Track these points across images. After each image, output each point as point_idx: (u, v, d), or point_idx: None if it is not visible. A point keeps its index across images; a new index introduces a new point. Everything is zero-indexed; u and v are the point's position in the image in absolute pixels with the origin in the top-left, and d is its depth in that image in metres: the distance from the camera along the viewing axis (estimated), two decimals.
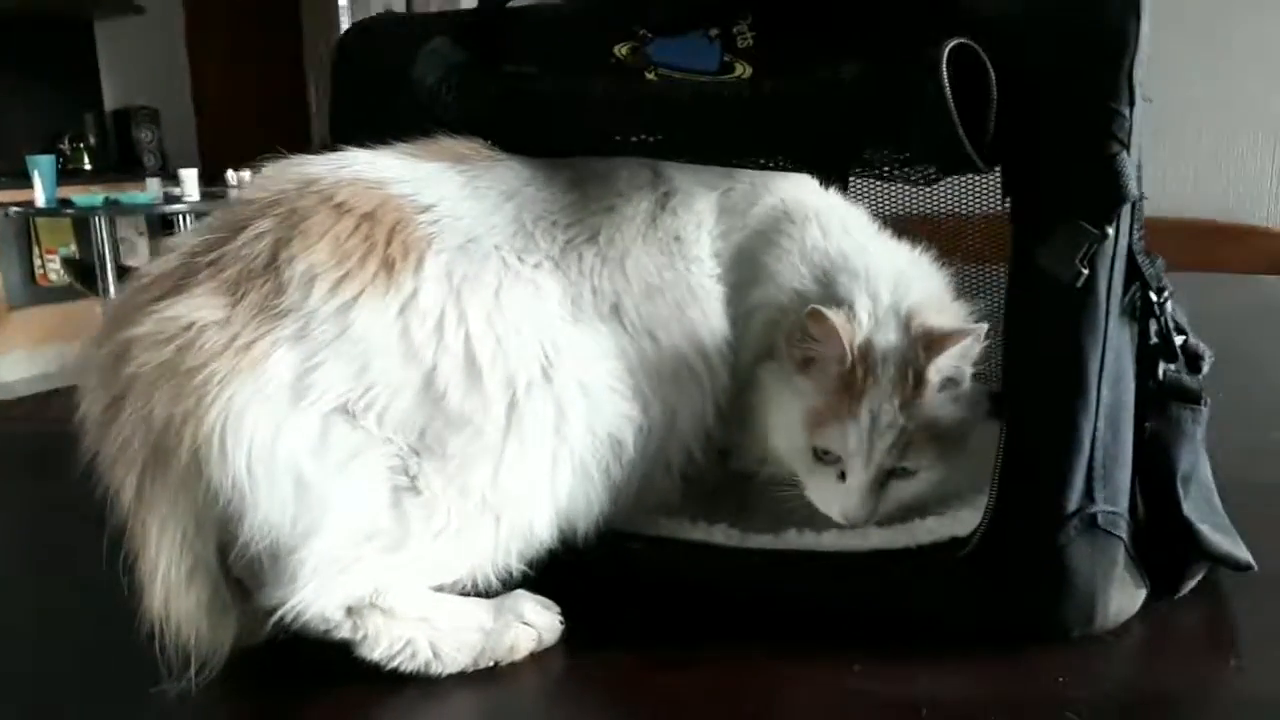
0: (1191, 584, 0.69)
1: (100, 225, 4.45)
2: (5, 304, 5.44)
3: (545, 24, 0.76)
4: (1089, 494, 0.63)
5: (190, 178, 4.39)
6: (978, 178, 0.78)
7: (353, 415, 0.60)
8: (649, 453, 0.70)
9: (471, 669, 0.65)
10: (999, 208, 0.75)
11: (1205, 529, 0.67)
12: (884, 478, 0.70)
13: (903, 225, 0.82)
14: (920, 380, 0.69)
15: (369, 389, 0.60)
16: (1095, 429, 0.62)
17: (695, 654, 0.66)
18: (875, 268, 0.73)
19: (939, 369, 0.69)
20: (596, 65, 0.70)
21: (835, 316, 0.69)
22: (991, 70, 0.59)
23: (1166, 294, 0.65)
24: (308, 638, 0.63)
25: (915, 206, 0.87)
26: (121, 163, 6.11)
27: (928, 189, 0.82)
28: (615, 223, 0.70)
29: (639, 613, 0.70)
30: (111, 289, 4.40)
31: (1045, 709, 0.60)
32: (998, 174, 0.67)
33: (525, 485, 0.65)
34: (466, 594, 0.67)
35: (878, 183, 0.86)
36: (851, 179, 0.85)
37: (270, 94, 6.26)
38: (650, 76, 0.69)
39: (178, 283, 0.61)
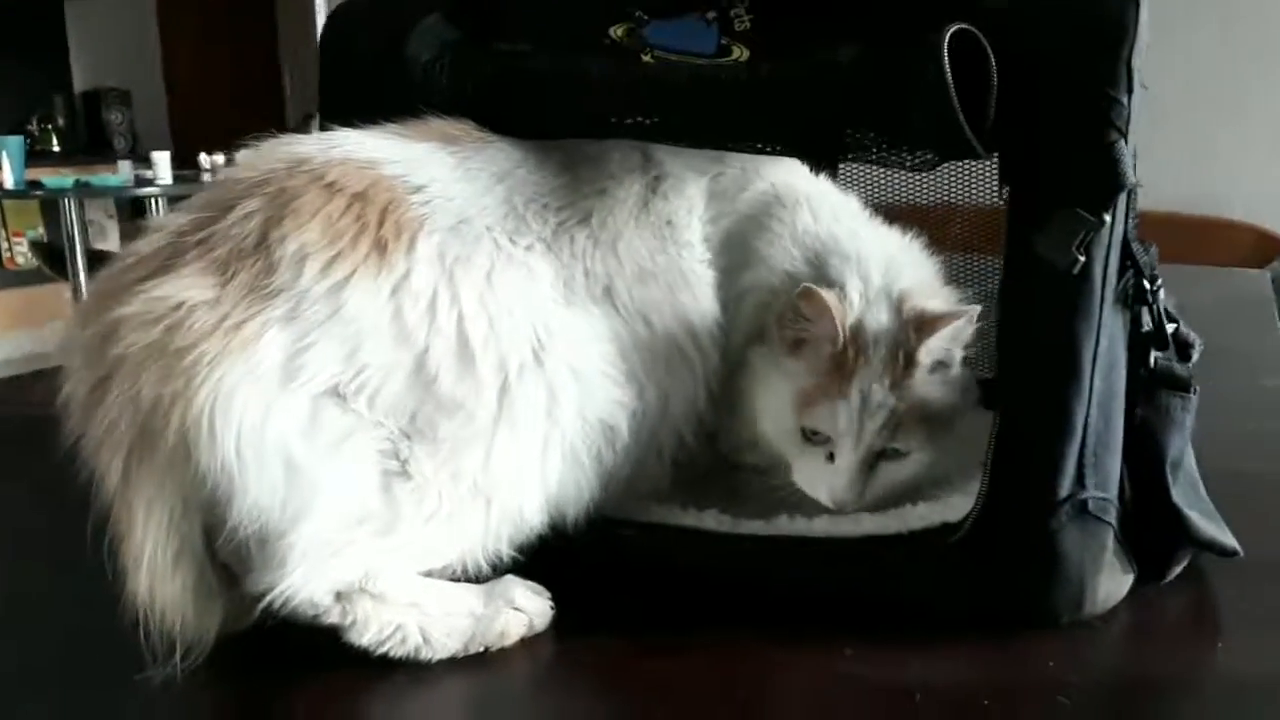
0: (1178, 569, 0.70)
1: (70, 208, 4.38)
2: None
3: (540, 3, 0.75)
4: (1080, 480, 0.63)
5: (163, 160, 4.33)
6: (968, 167, 0.79)
7: (344, 398, 0.60)
8: (641, 438, 0.70)
9: (462, 654, 0.64)
10: (988, 198, 0.76)
11: (1193, 515, 0.68)
12: (873, 460, 0.70)
13: (892, 213, 0.82)
14: (911, 361, 0.69)
15: (360, 371, 0.60)
16: (1088, 415, 0.63)
17: (686, 640, 0.66)
18: (866, 251, 0.74)
19: (930, 350, 0.69)
20: (592, 46, 0.70)
21: (828, 295, 0.69)
22: (992, 56, 0.58)
23: (1159, 282, 0.65)
24: (295, 623, 0.63)
25: (904, 195, 0.87)
26: (91, 144, 6.02)
27: (918, 177, 0.83)
28: (607, 205, 0.70)
29: (630, 598, 0.70)
30: (81, 273, 4.34)
31: (1036, 693, 0.60)
32: (983, 163, 0.68)
33: (516, 470, 0.64)
34: (456, 579, 0.67)
35: (864, 171, 0.86)
36: (841, 166, 0.85)
37: (244, 76, 6.20)
38: (646, 59, 0.68)
39: (165, 262, 0.59)
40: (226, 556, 0.62)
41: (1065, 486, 0.63)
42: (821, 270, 0.73)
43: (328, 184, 0.61)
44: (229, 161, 4.47)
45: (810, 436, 0.71)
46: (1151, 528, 0.67)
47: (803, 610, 0.67)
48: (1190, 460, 0.71)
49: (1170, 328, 0.67)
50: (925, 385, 0.70)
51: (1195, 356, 0.69)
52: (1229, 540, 0.69)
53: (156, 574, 0.59)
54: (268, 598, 0.61)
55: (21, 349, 5.12)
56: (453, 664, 0.64)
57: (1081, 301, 0.62)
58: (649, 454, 0.72)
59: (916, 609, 0.66)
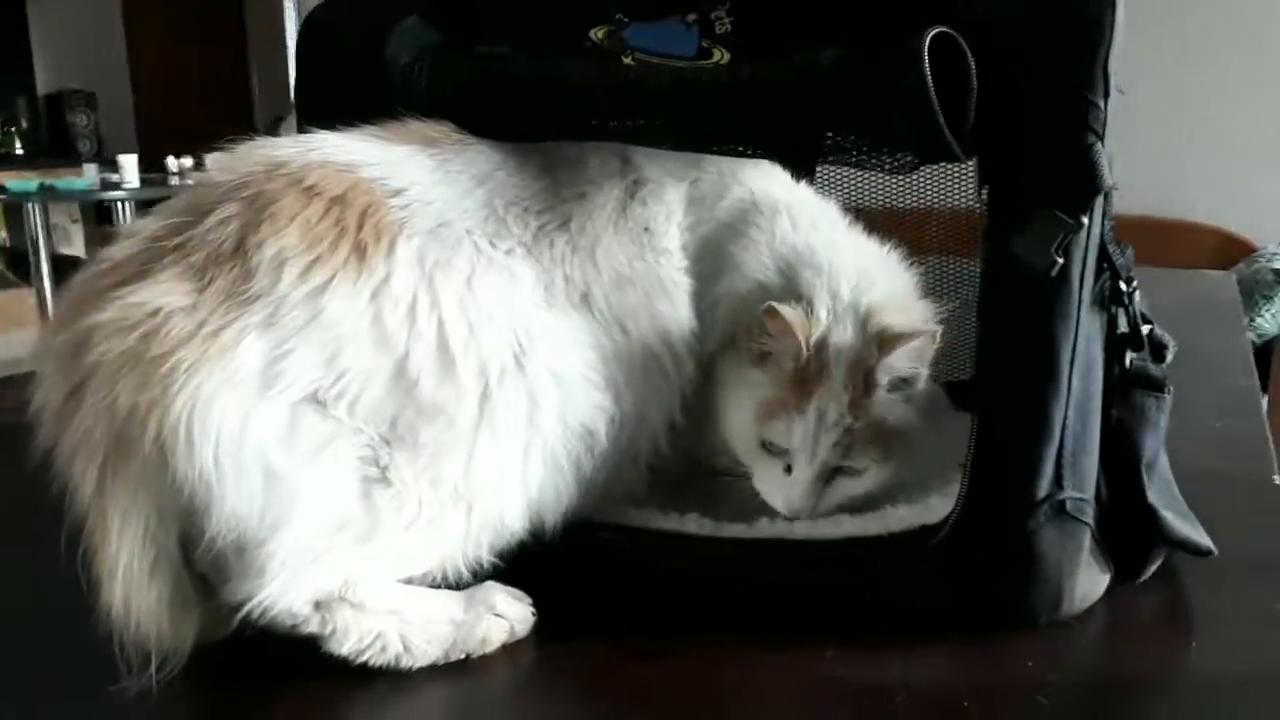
0: (1153, 569, 0.71)
1: (34, 212, 4.31)
2: None
3: (520, 5, 0.74)
4: (1058, 481, 0.64)
5: (129, 164, 4.28)
6: (945, 170, 0.79)
7: (323, 404, 0.59)
8: (620, 444, 0.70)
9: (443, 662, 0.64)
10: (964, 201, 0.76)
11: (1168, 515, 0.68)
12: (829, 474, 0.70)
13: (868, 216, 0.82)
14: (871, 380, 0.69)
15: (340, 377, 0.59)
16: (1066, 416, 0.63)
17: (668, 644, 0.66)
18: (839, 264, 0.74)
19: (889, 368, 0.70)
20: (572, 49, 0.70)
21: (791, 314, 0.69)
22: (972, 60, 0.59)
23: (1135, 284, 0.66)
24: (274, 633, 0.62)
25: (881, 199, 0.87)
26: (55, 147, 5.94)
27: (895, 180, 0.83)
28: (586, 210, 0.70)
29: (611, 603, 0.70)
30: (46, 278, 4.27)
31: (1015, 693, 0.61)
32: (960, 166, 0.68)
33: (497, 475, 0.64)
34: (437, 586, 0.66)
35: (842, 175, 0.86)
36: (819, 171, 0.85)
37: (211, 77, 6.13)
38: (627, 61, 0.68)
39: (141, 268, 0.59)
40: (204, 566, 0.61)
41: (1043, 487, 0.64)
42: (792, 282, 0.73)
43: (306, 187, 0.61)
44: (197, 165, 4.43)
45: (769, 447, 0.71)
46: (1127, 527, 0.68)
47: (784, 613, 0.67)
48: (1164, 460, 0.71)
49: (1145, 329, 0.68)
50: (884, 404, 0.70)
51: (1169, 358, 0.69)
52: (1203, 539, 0.70)
53: (132, 585, 0.58)
54: (246, 607, 0.60)
55: None
56: (434, 671, 0.64)
57: (1059, 303, 0.62)
58: (626, 460, 0.71)
59: (897, 610, 0.66)
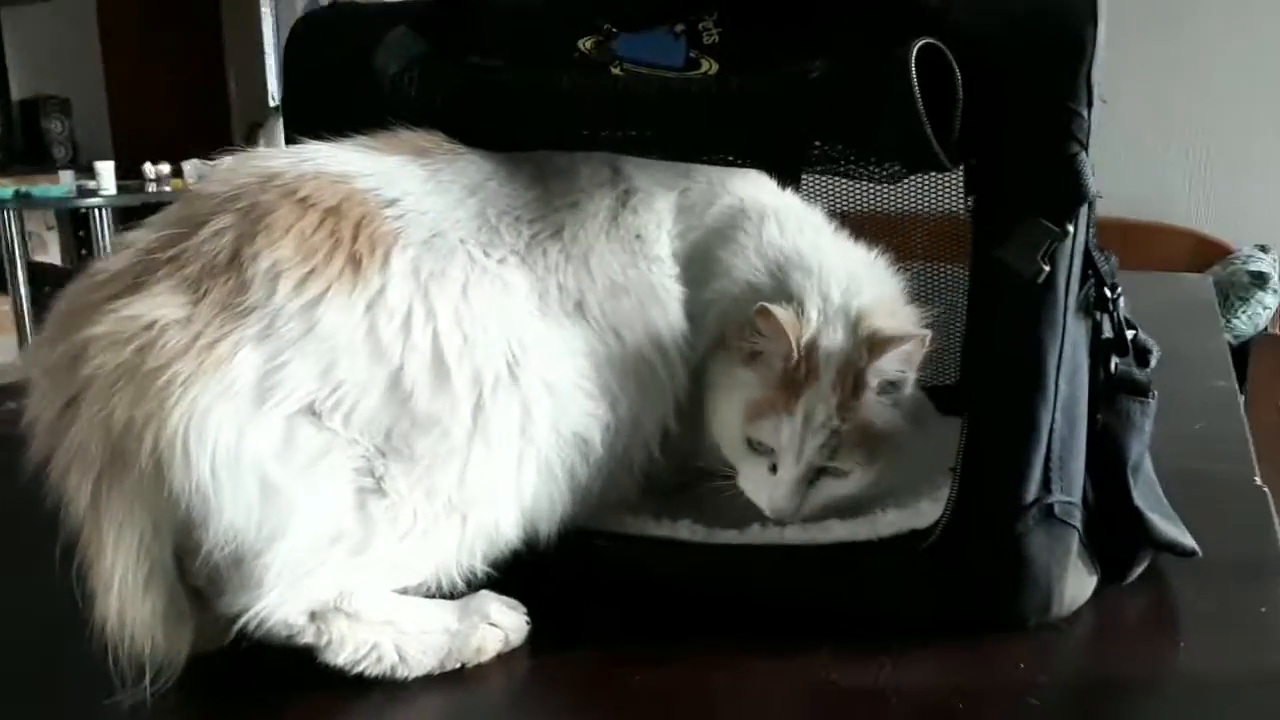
0: (1139, 570, 0.72)
1: (9, 219, 4.27)
2: None
3: (508, 16, 0.75)
4: (1046, 485, 0.65)
5: (106, 170, 4.25)
6: (930, 177, 0.80)
7: (318, 416, 0.59)
8: (615, 451, 0.70)
9: (438, 671, 0.64)
10: (950, 206, 0.77)
11: (1154, 517, 0.69)
12: (814, 475, 0.71)
13: (852, 221, 0.83)
14: (860, 382, 0.70)
15: (335, 388, 0.59)
16: (1053, 421, 0.64)
17: (662, 651, 0.66)
18: (829, 267, 0.74)
19: (878, 371, 0.70)
20: (561, 59, 0.70)
21: (783, 314, 0.69)
22: (958, 71, 0.60)
23: (1119, 290, 0.67)
24: (269, 644, 0.62)
25: (864, 204, 0.88)
26: (29, 154, 5.88)
27: (880, 186, 0.84)
28: (579, 219, 0.70)
29: (605, 611, 0.70)
30: (21, 286, 4.23)
31: (1007, 695, 0.62)
32: (944, 173, 0.69)
33: (491, 485, 0.64)
34: (431, 596, 0.66)
35: (822, 183, 0.87)
36: (804, 177, 0.86)
37: (187, 84, 6.08)
38: (616, 71, 0.69)
39: (135, 280, 0.58)
40: (198, 579, 0.61)
41: (1032, 491, 0.64)
42: (783, 283, 0.74)
43: (300, 199, 0.61)
44: (175, 171, 4.39)
45: (756, 446, 0.71)
46: (1113, 530, 0.69)
47: (777, 618, 0.68)
48: (1148, 463, 0.72)
49: (1129, 334, 0.69)
50: (872, 407, 0.71)
51: (1153, 362, 0.70)
52: (1188, 541, 0.71)
53: (127, 598, 0.58)
54: (242, 619, 0.60)
55: None
56: (429, 681, 0.64)
57: (1046, 310, 0.63)
58: (621, 467, 0.72)
59: (888, 614, 0.67)
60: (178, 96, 5.99)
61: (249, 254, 0.59)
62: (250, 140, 4.81)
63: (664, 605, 0.70)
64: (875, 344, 0.70)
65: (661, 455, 0.74)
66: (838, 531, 0.70)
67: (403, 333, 0.60)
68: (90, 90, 6.04)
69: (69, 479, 0.58)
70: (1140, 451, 0.70)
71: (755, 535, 0.71)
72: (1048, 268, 0.62)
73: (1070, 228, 0.61)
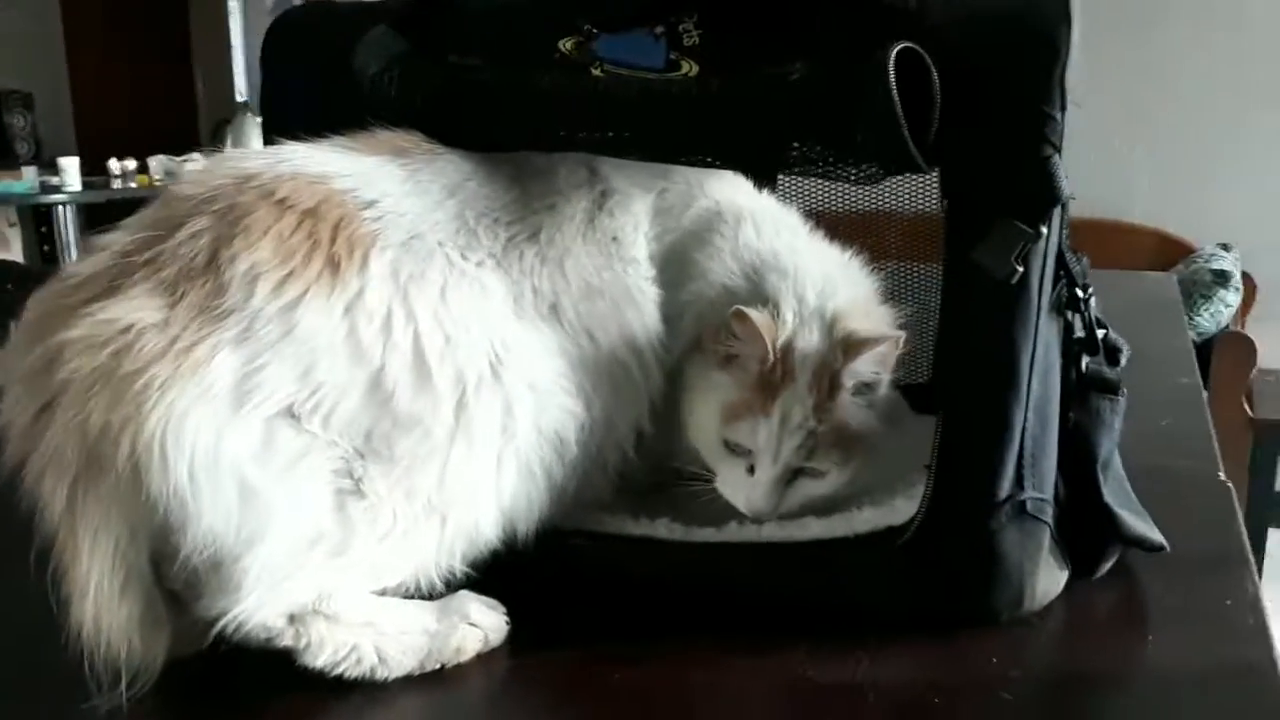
0: (1108, 565, 0.73)
1: None
2: None
3: (488, 16, 0.74)
4: (1019, 482, 0.66)
5: (71, 167, 4.19)
6: (899, 179, 0.80)
7: (297, 418, 0.59)
8: (590, 451, 0.70)
9: (418, 672, 0.64)
10: (922, 206, 0.78)
11: (1124, 513, 0.71)
12: (791, 475, 0.71)
13: (825, 220, 0.83)
14: (835, 383, 0.71)
15: (315, 390, 0.59)
16: (1026, 419, 0.65)
17: (641, 649, 0.67)
18: (804, 268, 0.75)
19: (854, 373, 0.71)
20: (541, 59, 0.70)
21: (759, 317, 0.70)
22: (935, 74, 0.60)
23: (1091, 290, 0.68)
24: (248, 647, 0.62)
25: (838, 203, 0.89)
26: None
27: (846, 187, 0.84)
28: (556, 222, 0.70)
29: (584, 610, 0.70)
30: None
31: (981, 689, 0.63)
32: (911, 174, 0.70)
33: (471, 485, 0.64)
34: (410, 596, 0.66)
35: (798, 181, 0.88)
36: (780, 179, 0.86)
37: (153, 79, 6.00)
38: (596, 73, 0.69)
39: (111, 283, 0.58)
40: (175, 583, 0.61)
41: (1005, 488, 0.65)
42: (759, 286, 0.74)
43: (278, 200, 0.61)
44: (140, 168, 4.33)
45: (733, 448, 0.72)
46: (1084, 526, 0.70)
47: (754, 615, 0.68)
48: (1117, 459, 0.74)
49: (1100, 333, 0.70)
50: (847, 408, 0.72)
51: (1123, 361, 0.72)
52: (1156, 536, 0.72)
53: (103, 603, 0.58)
54: (221, 622, 0.60)
55: None
56: (409, 682, 0.64)
57: (1019, 310, 0.64)
58: (596, 467, 0.72)
59: (864, 610, 0.68)
60: (143, 93, 5.90)
61: (226, 256, 0.58)
62: (217, 138, 4.76)
63: (643, 604, 0.70)
64: (850, 345, 0.70)
65: (636, 456, 0.74)
66: (814, 529, 0.71)
67: (383, 334, 0.60)
68: (53, 85, 5.94)
69: (44, 484, 0.57)
70: (1110, 449, 0.71)
71: (733, 533, 0.72)
72: (1021, 269, 0.62)
73: (1043, 229, 0.62)
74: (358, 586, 0.64)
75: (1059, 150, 0.62)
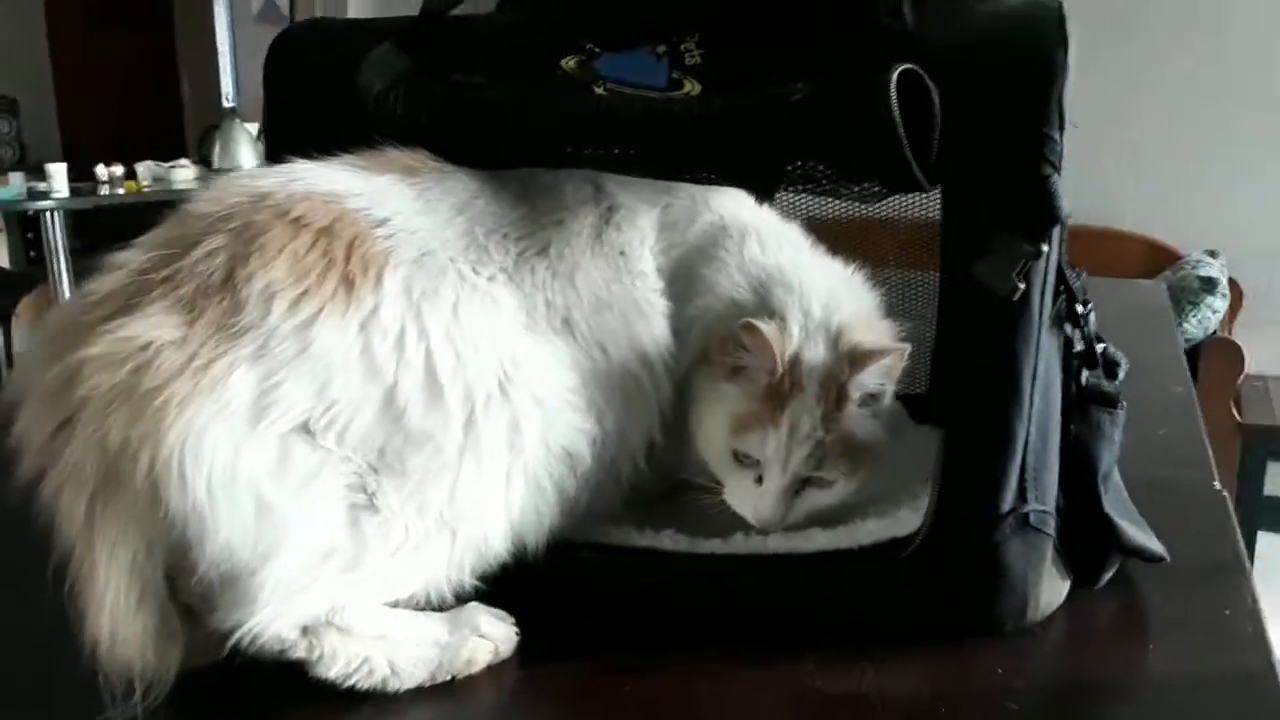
0: (1108, 575, 0.74)
1: None
2: None
3: (491, 34, 0.75)
4: (1022, 494, 0.67)
5: (59, 173, 4.15)
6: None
7: (312, 434, 0.59)
8: (602, 464, 0.71)
9: (429, 684, 0.65)
10: (915, 215, 0.78)
11: (1124, 524, 0.72)
12: (799, 485, 0.72)
13: (814, 228, 0.84)
14: (842, 395, 0.72)
15: (330, 407, 0.59)
16: (1028, 433, 0.66)
17: (649, 661, 0.68)
18: (809, 283, 0.76)
19: (860, 384, 0.72)
20: (544, 78, 0.71)
21: (768, 329, 0.71)
22: (936, 95, 0.61)
23: (1090, 305, 0.69)
24: (260, 659, 0.62)
25: (825, 211, 0.89)
26: None
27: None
28: (564, 236, 0.71)
29: (592, 622, 0.71)
30: None
31: (986, 700, 0.64)
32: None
33: (482, 500, 0.65)
34: (420, 609, 0.67)
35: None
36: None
37: (139, 86, 5.98)
38: (599, 91, 0.70)
39: (129, 301, 0.58)
40: (189, 596, 0.61)
41: (1008, 501, 0.66)
42: (765, 299, 0.75)
43: (293, 219, 0.61)
44: (128, 174, 4.31)
45: (741, 459, 0.73)
46: (1085, 537, 0.71)
47: (760, 626, 0.69)
48: (1116, 471, 0.75)
49: (1099, 347, 0.71)
50: (854, 418, 0.72)
51: (1122, 375, 0.73)
52: (1156, 547, 0.73)
53: (119, 617, 0.58)
54: (235, 635, 0.60)
55: None
56: (420, 694, 0.64)
57: (1022, 326, 0.65)
58: (608, 479, 0.73)
59: (869, 621, 0.69)
60: (129, 98, 5.88)
61: (243, 275, 0.59)
62: (205, 144, 4.74)
63: (651, 615, 0.71)
64: (857, 358, 0.71)
65: (647, 467, 0.75)
66: (820, 540, 0.71)
67: (396, 351, 0.61)
68: (38, 90, 5.92)
69: (62, 498, 0.57)
70: (1110, 461, 0.72)
71: (739, 545, 0.72)
72: (1023, 286, 0.63)
73: (1045, 247, 0.63)
74: (370, 599, 0.64)
75: (1058, 170, 0.63)
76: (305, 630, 0.62)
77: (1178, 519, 0.81)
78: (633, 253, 0.74)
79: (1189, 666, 0.66)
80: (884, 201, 0.82)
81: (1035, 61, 0.63)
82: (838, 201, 0.85)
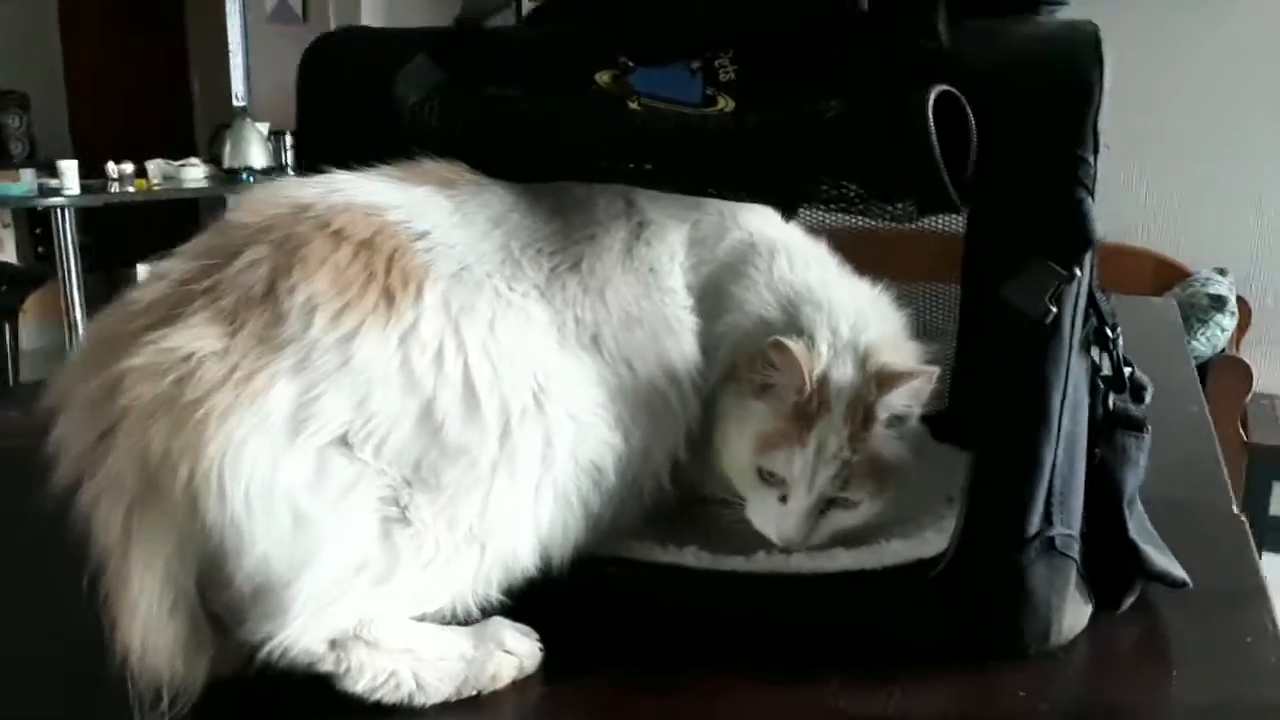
0: (1131, 600, 0.74)
1: None
2: None
3: (524, 47, 0.75)
4: (1048, 518, 0.67)
5: (70, 169, 4.16)
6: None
7: (350, 447, 0.60)
8: (627, 479, 0.71)
9: (454, 699, 0.65)
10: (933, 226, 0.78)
11: (1148, 549, 0.72)
12: (824, 505, 0.72)
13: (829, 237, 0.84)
14: (869, 415, 0.72)
15: (368, 420, 0.60)
16: (1056, 457, 0.66)
17: (672, 679, 0.68)
18: (837, 302, 0.76)
19: (888, 406, 0.72)
20: (578, 92, 0.71)
21: (797, 348, 0.71)
22: (972, 116, 0.62)
23: (1119, 329, 0.69)
24: (288, 670, 0.62)
25: (843, 221, 0.88)
26: None
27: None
28: (596, 252, 0.71)
29: (616, 639, 0.71)
30: None
31: None
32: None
33: (512, 514, 0.65)
34: (445, 622, 0.67)
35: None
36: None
37: (150, 84, 6.00)
38: (633, 106, 0.70)
39: (171, 311, 0.59)
40: (218, 607, 0.61)
41: (1034, 524, 0.66)
42: (794, 318, 0.75)
43: (334, 231, 0.61)
44: (139, 171, 4.31)
45: (766, 477, 0.73)
46: (1108, 561, 0.71)
47: (784, 646, 0.69)
48: (1138, 495, 0.75)
49: (1126, 371, 0.71)
50: (880, 439, 0.73)
51: (1148, 399, 0.73)
52: (1179, 572, 0.73)
53: (150, 625, 0.59)
54: (265, 647, 0.60)
55: None
56: (445, 708, 0.64)
57: (1052, 349, 0.65)
58: (632, 495, 0.73)
59: (894, 642, 0.69)
60: (140, 95, 5.90)
61: (285, 287, 0.59)
62: (216, 142, 4.75)
63: (674, 631, 0.71)
64: (885, 379, 0.72)
65: (670, 484, 0.75)
66: (844, 560, 0.71)
67: (435, 365, 0.61)
68: (49, 86, 5.93)
69: (100, 507, 0.58)
70: (1135, 485, 0.73)
71: (761, 563, 0.72)
72: (1055, 309, 0.63)
73: (1078, 271, 0.63)
74: (398, 613, 0.64)
75: (1092, 193, 0.63)
76: (333, 643, 0.62)
77: (1196, 542, 0.80)
78: (662, 269, 0.74)
79: (1212, 693, 0.66)
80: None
81: (1071, 83, 0.63)
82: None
